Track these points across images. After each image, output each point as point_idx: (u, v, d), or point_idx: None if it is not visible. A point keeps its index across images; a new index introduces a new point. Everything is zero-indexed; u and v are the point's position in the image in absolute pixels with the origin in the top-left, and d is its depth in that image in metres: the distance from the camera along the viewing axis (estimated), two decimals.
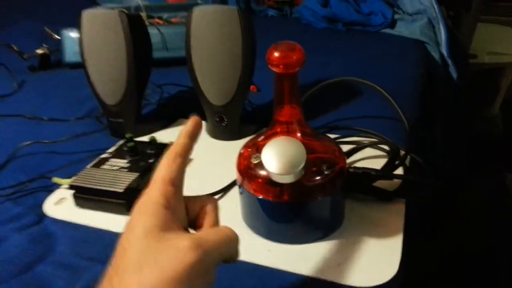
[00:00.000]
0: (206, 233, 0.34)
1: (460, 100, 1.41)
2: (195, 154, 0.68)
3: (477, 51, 2.03)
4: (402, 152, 0.60)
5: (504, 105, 2.25)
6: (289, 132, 0.48)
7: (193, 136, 0.38)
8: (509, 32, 2.14)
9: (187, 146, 0.37)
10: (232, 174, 0.60)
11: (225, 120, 0.69)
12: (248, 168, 0.48)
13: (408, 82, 0.91)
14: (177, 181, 0.34)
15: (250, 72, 0.68)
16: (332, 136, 0.69)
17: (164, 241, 0.29)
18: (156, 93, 0.88)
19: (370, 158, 0.65)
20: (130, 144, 0.60)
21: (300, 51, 0.44)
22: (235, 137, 0.71)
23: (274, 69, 0.44)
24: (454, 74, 1.22)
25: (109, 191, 0.53)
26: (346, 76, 0.78)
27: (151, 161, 0.59)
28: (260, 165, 0.46)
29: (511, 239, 1.49)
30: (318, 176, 0.46)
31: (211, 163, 0.66)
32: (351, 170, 0.52)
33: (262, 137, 0.51)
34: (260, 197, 0.47)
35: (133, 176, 0.55)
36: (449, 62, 1.20)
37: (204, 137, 0.74)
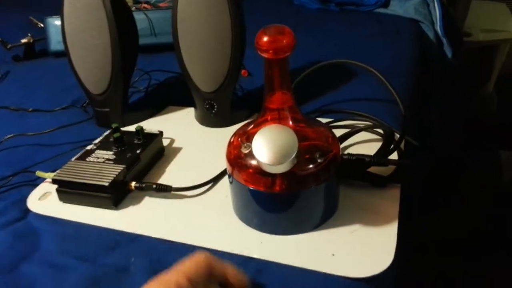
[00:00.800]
0: None
1: (455, 79, 1.39)
2: (185, 142, 0.67)
3: (471, 29, 2.00)
4: (397, 136, 0.58)
5: (498, 83, 2.24)
6: (280, 119, 0.46)
7: None
8: (503, 9, 2.11)
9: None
10: (223, 162, 0.58)
11: (216, 107, 0.67)
12: (238, 158, 0.47)
13: (403, 62, 0.89)
14: None
15: (240, 57, 0.65)
16: (325, 120, 0.67)
17: None
18: (144, 80, 0.85)
19: (365, 142, 0.63)
20: (116, 134, 0.58)
21: (290, 34, 0.42)
22: (226, 124, 0.69)
23: (263, 55, 0.42)
24: (449, 53, 1.19)
25: (94, 184, 0.51)
26: (340, 57, 0.76)
27: (138, 151, 0.57)
28: (251, 154, 0.45)
29: (507, 223, 1.49)
30: (311, 164, 0.44)
31: (201, 151, 0.64)
32: (344, 156, 0.50)
33: (253, 125, 0.49)
34: (251, 187, 0.45)
35: (119, 168, 0.53)
36: (444, 41, 1.18)
37: (194, 124, 0.72)
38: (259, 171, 0.44)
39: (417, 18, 1.16)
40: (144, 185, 0.53)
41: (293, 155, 0.42)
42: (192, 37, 0.63)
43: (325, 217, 0.49)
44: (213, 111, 0.68)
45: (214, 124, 0.70)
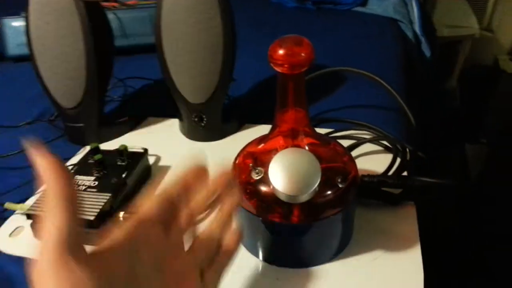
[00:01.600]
0: None
1: (432, 77, 1.39)
2: (173, 159, 0.61)
3: (436, 25, 2.02)
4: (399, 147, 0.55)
5: (461, 78, 2.29)
6: (293, 140, 0.41)
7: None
8: (464, 4, 2.15)
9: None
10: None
11: (205, 119, 0.61)
12: (247, 184, 0.41)
13: (391, 65, 0.86)
14: None
15: (232, 64, 0.60)
16: (322, 130, 0.63)
17: None
18: (118, 88, 0.77)
19: (369, 155, 0.59)
20: (97, 156, 0.51)
21: (308, 46, 0.37)
22: (216, 137, 0.63)
23: (278, 69, 0.37)
24: (428, 52, 1.18)
25: None
26: (326, 60, 0.72)
27: (123, 175, 0.50)
28: (263, 181, 0.39)
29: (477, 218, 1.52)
30: (330, 190, 0.39)
31: None
32: (365, 179, 0.46)
33: (262, 145, 0.43)
34: (264, 218, 0.40)
35: (104, 197, 0.46)
36: (422, 40, 1.17)
37: (180, 138, 0.65)
38: (273, 200, 0.39)
39: (396, 17, 1.14)
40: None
41: (316, 184, 0.37)
42: (179, 44, 0.56)
43: (343, 244, 0.44)
44: (202, 124, 0.62)
45: (203, 138, 0.63)
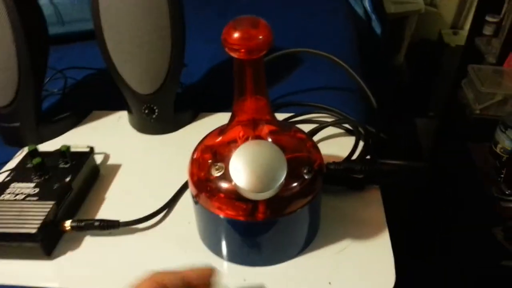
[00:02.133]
0: None
1: (382, 54, 1.40)
2: (123, 157, 0.56)
3: (384, 2, 2.04)
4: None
5: (408, 53, 2.34)
6: (254, 130, 0.38)
7: None
8: None
9: None
10: (175, 178, 0.49)
11: (156, 111, 0.57)
12: (206, 181, 0.38)
13: (345, 44, 0.84)
14: None
15: (182, 49, 0.55)
16: (282, 115, 0.60)
17: None
18: (57, 80, 0.71)
19: (331, 138, 0.57)
20: (36, 160, 0.45)
21: (265, 28, 0.33)
22: (170, 129, 0.59)
23: (234, 55, 0.33)
24: (378, 29, 1.18)
25: (17, 233, 0.39)
26: (281, 41, 0.68)
27: (67, 179, 0.45)
28: (224, 177, 0.36)
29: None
30: (296, 182, 0.37)
31: (146, 166, 0.53)
32: (331, 167, 0.43)
33: (220, 137, 0.40)
34: (227, 217, 0.37)
35: (47, 206, 0.42)
36: (373, 17, 1.16)
37: (130, 132, 0.60)
38: (235, 197, 0.36)
39: None
40: (83, 223, 0.42)
41: (282, 179, 0.34)
42: (121, 29, 0.51)
43: (311, 237, 0.42)
44: (154, 116, 0.57)
45: (155, 130, 0.59)
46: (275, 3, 1.02)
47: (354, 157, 0.51)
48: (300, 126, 0.58)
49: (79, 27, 0.84)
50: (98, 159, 0.53)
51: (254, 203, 0.36)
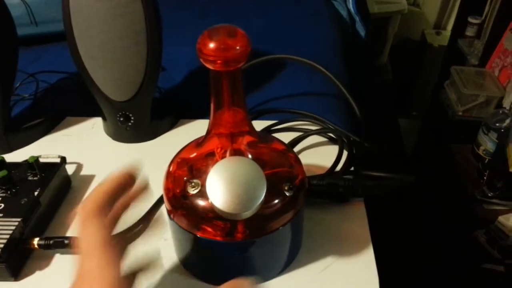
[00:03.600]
0: None
1: (366, 56, 1.39)
2: (97, 167, 0.53)
3: (367, 2, 2.04)
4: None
5: (391, 53, 2.34)
6: (233, 144, 0.36)
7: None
8: None
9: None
10: (154, 191, 0.46)
11: (132, 118, 0.54)
12: (182, 198, 0.36)
13: (329, 48, 0.82)
14: None
15: (159, 54, 0.53)
16: (262, 123, 0.58)
17: None
18: (29, 84, 0.67)
19: (314, 147, 0.56)
20: (2, 173, 0.43)
21: (243, 37, 0.31)
22: (147, 137, 0.57)
23: (210, 66, 0.31)
24: (362, 32, 1.17)
25: None
26: (263, 45, 0.67)
27: (36, 193, 0.43)
28: (201, 195, 0.34)
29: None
30: (277, 199, 0.35)
31: None
32: (314, 182, 0.42)
33: (195, 153, 0.38)
34: (204, 236, 0.35)
35: (13, 223, 0.39)
36: (357, 18, 1.15)
37: (105, 140, 0.58)
38: (213, 216, 0.34)
39: None
40: (52, 241, 0.40)
41: (262, 198, 0.32)
42: (93, 34, 0.48)
43: (292, 255, 0.40)
44: (129, 124, 0.55)
45: (131, 139, 0.56)
46: (257, 5, 1.00)
47: (339, 166, 0.49)
48: (283, 134, 0.57)
49: (54, 28, 0.80)
50: (70, 169, 0.51)
51: (233, 222, 0.34)
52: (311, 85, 0.67)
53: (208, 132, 0.36)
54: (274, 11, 0.99)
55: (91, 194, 0.30)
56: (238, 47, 0.31)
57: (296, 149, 0.54)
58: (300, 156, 0.54)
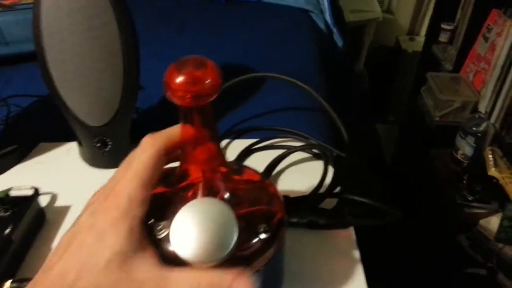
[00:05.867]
0: None
1: (344, 66, 1.39)
2: (73, 196, 0.50)
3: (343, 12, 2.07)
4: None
5: (367, 60, 2.37)
6: (205, 182, 0.32)
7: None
8: None
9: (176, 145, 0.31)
10: None
11: (110, 143, 0.52)
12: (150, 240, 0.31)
13: (310, 61, 0.82)
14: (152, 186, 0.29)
15: (136, 75, 0.51)
16: (243, 142, 0.57)
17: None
18: (0, 109, 0.65)
19: (298, 164, 0.54)
20: None
21: (214, 69, 0.28)
22: None
23: (178, 102, 0.29)
24: (340, 42, 1.17)
25: None
26: (242, 61, 0.66)
27: (7, 231, 0.40)
28: (168, 239, 0.30)
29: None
30: (253, 240, 0.32)
31: None
32: (293, 220, 0.40)
33: (165, 187, 0.33)
34: None
35: None
36: (334, 30, 1.15)
37: (81, 166, 0.55)
38: (183, 263, 0.29)
39: (307, 8, 1.10)
40: (25, 283, 0.37)
41: (232, 245, 0.29)
42: (67, 57, 0.46)
43: None
44: (107, 149, 0.53)
45: (109, 164, 0.54)
46: (235, 19, 0.99)
47: (325, 185, 0.48)
48: (264, 152, 0.56)
49: (26, 48, 0.77)
50: (44, 200, 0.48)
51: None
52: (293, 100, 0.66)
53: (179, 168, 0.33)
54: (255, 25, 0.99)
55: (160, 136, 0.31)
56: (208, 80, 0.28)
57: (279, 167, 0.53)
58: (284, 174, 0.53)
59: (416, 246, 1.34)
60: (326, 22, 1.13)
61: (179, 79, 0.28)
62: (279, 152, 0.54)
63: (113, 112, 0.50)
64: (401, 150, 1.88)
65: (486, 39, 1.39)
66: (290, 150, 0.54)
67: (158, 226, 0.31)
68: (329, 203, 0.45)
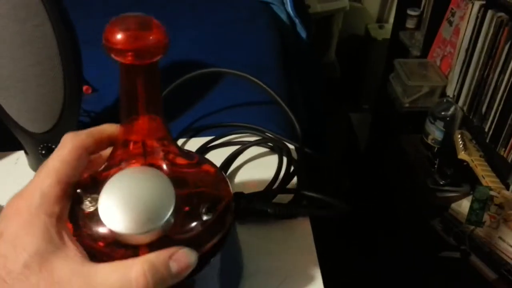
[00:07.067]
0: None
1: (309, 56, 1.39)
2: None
3: (308, 1, 2.06)
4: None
5: (338, 50, 2.38)
6: (147, 157, 0.31)
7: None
8: None
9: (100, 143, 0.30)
10: None
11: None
12: (78, 219, 0.29)
13: (268, 53, 0.81)
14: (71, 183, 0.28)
15: (78, 76, 0.49)
16: (199, 140, 0.56)
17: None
18: None
19: (255, 159, 0.53)
20: None
21: (159, 29, 0.27)
22: None
23: (118, 59, 0.27)
24: (303, 34, 1.16)
25: None
26: (198, 55, 0.64)
27: None
28: (97, 214, 0.27)
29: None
30: (193, 223, 0.30)
31: None
32: (241, 207, 0.39)
33: (103, 166, 0.31)
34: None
35: None
36: (297, 21, 1.14)
37: (30, 176, 0.52)
38: (113, 242, 0.27)
39: (268, 0, 1.09)
40: None
41: (167, 215, 0.26)
42: (2, 63, 0.44)
43: (233, 284, 0.38)
44: None
45: None
46: (187, 11, 0.96)
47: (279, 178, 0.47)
48: (221, 149, 0.55)
49: None
50: None
51: (135, 250, 0.27)
52: (250, 94, 0.65)
53: (118, 139, 0.31)
54: (208, 17, 0.96)
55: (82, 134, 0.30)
56: (152, 37, 0.26)
57: (235, 163, 0.52)
58: (241, 170, 0.52)
59: (390, 233, 1.35)
60: (288, 14, 1.12)
61: (119, 36, 0.26)
62: (235, 148, 0.53)
63: (56, 117, 0.48)
64: (374, 138, 1.89)
65: (450, 23, 1.41)
66: (245, 145, 0.53)
67: (87, 198, 0.29)
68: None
